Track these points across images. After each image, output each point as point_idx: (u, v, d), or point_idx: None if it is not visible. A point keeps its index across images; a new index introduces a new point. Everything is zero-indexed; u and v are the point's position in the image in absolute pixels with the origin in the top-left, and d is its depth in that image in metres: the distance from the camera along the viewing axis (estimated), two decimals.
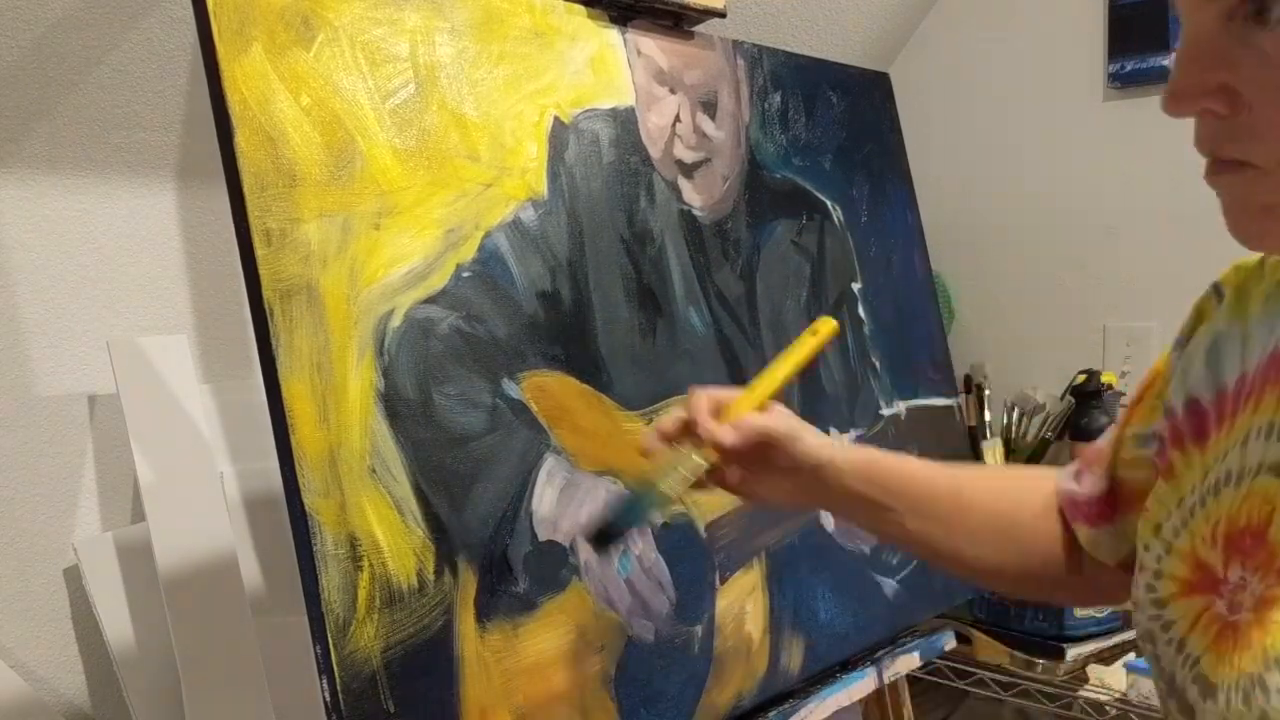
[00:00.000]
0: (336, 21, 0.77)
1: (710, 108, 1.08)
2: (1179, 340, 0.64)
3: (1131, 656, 1.34)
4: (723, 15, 1.08)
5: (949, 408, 1.37)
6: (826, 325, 0.78)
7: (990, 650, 1.41)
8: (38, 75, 0.94)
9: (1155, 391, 0.66)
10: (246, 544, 1.03)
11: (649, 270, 0.98)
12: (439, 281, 0.79)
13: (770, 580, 1.03)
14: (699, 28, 1.09)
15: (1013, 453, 1.61)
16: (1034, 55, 1.66)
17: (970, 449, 1.51)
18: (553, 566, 0.83)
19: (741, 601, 1.00)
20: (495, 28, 0.88)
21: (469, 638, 0.76)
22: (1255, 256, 0.59)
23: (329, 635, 0.68)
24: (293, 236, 0.71)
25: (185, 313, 1.11)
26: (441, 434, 0.77)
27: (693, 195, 1.05)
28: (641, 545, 0.91)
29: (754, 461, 0.71)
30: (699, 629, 0.95)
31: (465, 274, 0.81)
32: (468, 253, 0.82)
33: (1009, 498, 0.74)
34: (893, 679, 1.19)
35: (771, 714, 1.01)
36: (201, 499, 0.99)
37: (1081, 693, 1.34)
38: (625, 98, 0.99)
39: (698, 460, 0.69)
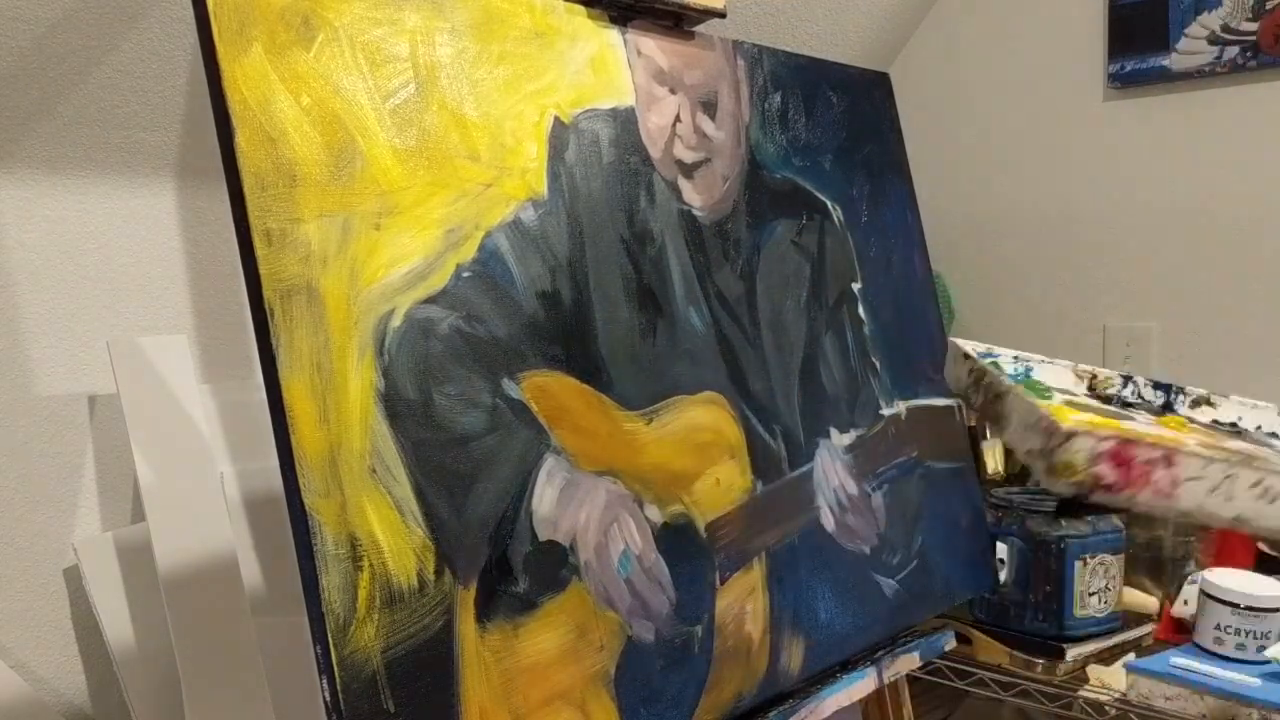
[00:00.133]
0: (336, 21, 0.77)
1: (710, 108, 1.08)
2: None
3: (1131, 656, 1.34)
4: (723, 15, 1.08)
5: (949, 408, 1.37)
6: None
7: (990, 650, 1.41)
8: (38, 75, 0.94)
9: None
10: (246, 544, 1.04)
11: (649, 270, 0.98)
12: (439, 281, 0.80)
13: (770, 580, 1.03)
14: (699, 28, 1.09)
15: (1013, 453, 1.61)
16: (1034, 55, 1.66)
17: (970, 449, 1.51)
18: (553, 566, 0.83)
19: (741, 601, 1.00)
20: (495, 28, 0.88)
21: (469, 638, 0.76)
22: None
23: (329, 635, 0.68)
24: (293, 236, 0.71)
25: (185, 313, 1.11)
26: (441, 434, 0.77)
27: (693, 195, 1.05)
28: (642, 545, 0.91)
29: None
30: (699, 629, 0.95)
31: (465, 274, 0.81)
32: (468, 253, 0.82)
33: None
34: (893, 679, 1.19)
35: (771, 714, 1.01)
36: (201, 499, 1.00)
37: (1081, 693, 1.34)
38: (625, 98, 0.99)
39: None
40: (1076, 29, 1.60)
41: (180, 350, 1.02)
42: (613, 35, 0.99)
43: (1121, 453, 0.68)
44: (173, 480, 0.98)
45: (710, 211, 1.07)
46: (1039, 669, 1.36)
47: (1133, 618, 1.39)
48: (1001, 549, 1.42)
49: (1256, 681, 1.18)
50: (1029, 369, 0.73)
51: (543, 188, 0.89)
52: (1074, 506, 1.38)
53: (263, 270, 0.69)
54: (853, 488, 1.16)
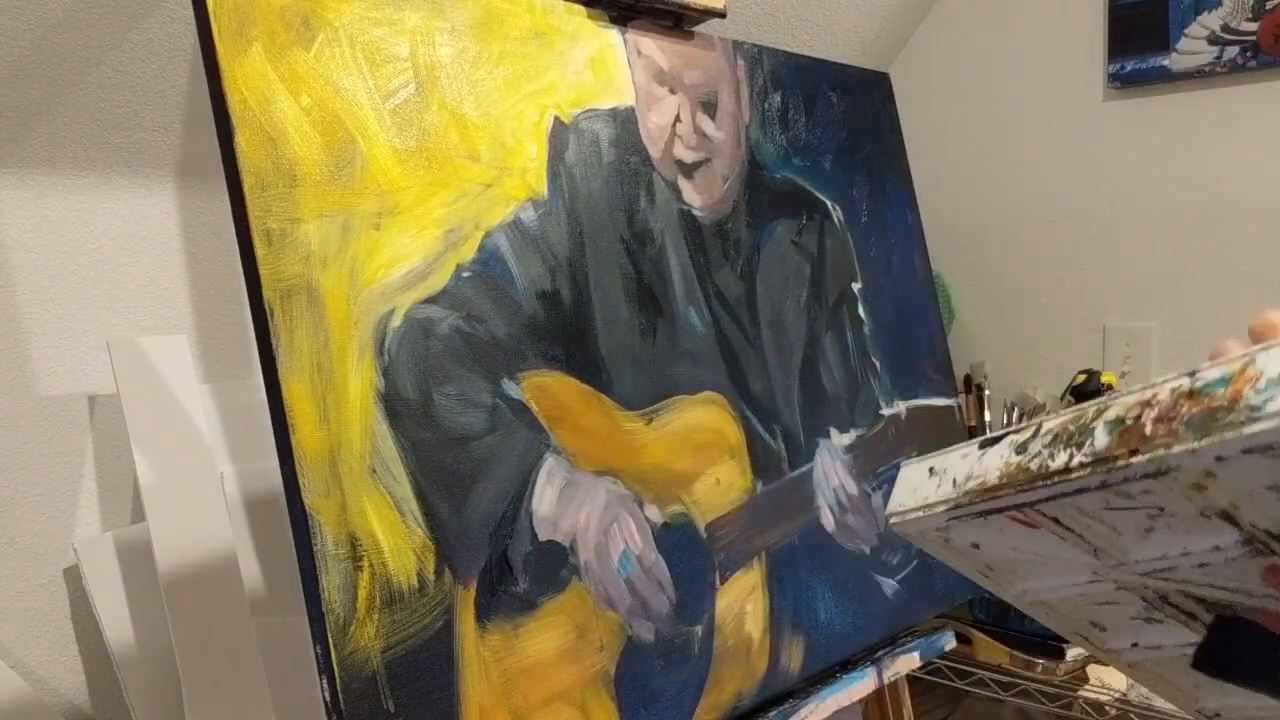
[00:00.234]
0: (336, 21, 0.77)
1: (710, 108, 1.08)
2: None
3: None
4: (723, 15, 1.08)
5: (949, 408, 1.37)
6: None
7: (990, 650, 1.41)
8: (38, 75, 0.94)
9: None
10: (246, 544, 1.04)
11: (649, 270, 0.98)
12: (439, 281, 0.80)
13: (770, 580, 1.03)
14: (699, 28, 1.09)
15: None
16: (1034, 55, 1.66)
17: None
18: (553, 566, 0.83)
19: (741, 601, 1.00)
20: (495, 28, 0.88)
21: (469, 638, 0.76)
22: None
23: (329, 635, 0.68)
24: (293, 236, 0.71)
25: (185, 313, 1.11)
26: (441, 434, 0.77)
27: (693, 195, 1.05)
28: (642, 545, 0.91)
29: None
30: (699, 629, 0.95)
31: (465, 274, 0.81)
32: (468, 253, 0.82)
33: None
34: (893, 679, 1.19)
35: (771, 714, 1.01)
36: (201, 499, 1.00)
37: (1081, 693, 1.34)
38: (625, 98, 0.99)
39: None
40: (1076, 29, 1.60)
41: (180, 350, 1.02)
42: (613, 35, 0.99)
43: None
44: (173, 480, 0.98)
45: (710, 211, 1.07)
46: (1039, 669, 1.36)
47: None
48: None
49: None
50: None
51: (543, 188, 0.89)
52: None
53: (263, 270, 0.69)
54: (853, 488, 1.16)
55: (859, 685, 1.12)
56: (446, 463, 0.77)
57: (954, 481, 0.52)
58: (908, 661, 1.20)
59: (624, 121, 0.98)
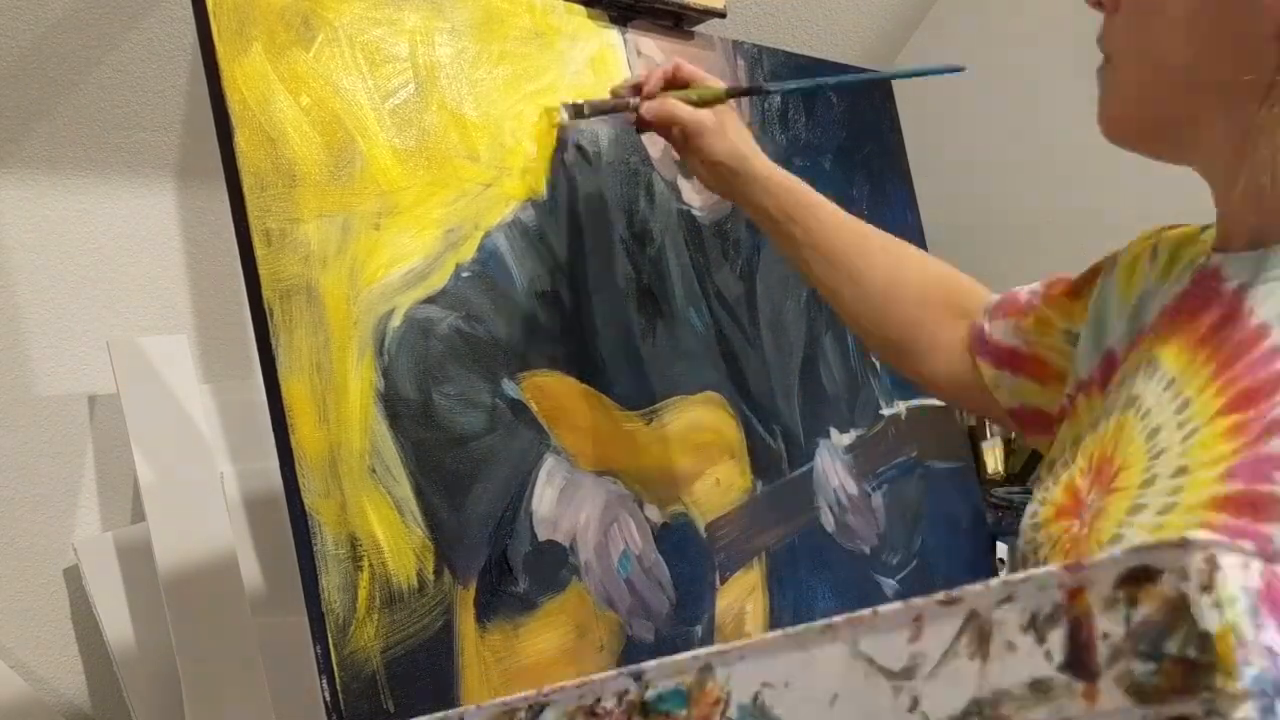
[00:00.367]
0: (336, 21, 0.77)
1: None
2: (1110, 268, 0.69)
3: None
4: (723, 15, 1.08)
5: (949, 408, 1.37)
6: None
7: None
8: (38, 75, 0.94)
9: (1090, 291, 0.70)
10: (246, 544, 1.03)
11: (649, 270, 0.98)
12: (439, 281, 0.79)
13: (770, 580, 1.03)
14: (699, 28, 1.09)
15: (1013, 453, 1.61)
16: (1034, 55, 1.66)
17: (970, 449, 1.51)
18: (553, 566, 0.83)
19: (741, 601, 1.00)
20: (495, 28, 0.88)
21: (469, 638, 0.76)
22: (1197, 225, 0.65)
23: (329, 635, 0.68)
24: (293, 236, 0.71)
25: (185, 313, 1.11)
26: (441, 434, 0.77)
27: (692, 195, 1.05)
28: (642, 545, 0.91)
29: (686, 136, 0.84)
30: (699, 629, 0.95)
31: (465, 274, 0.81)
32: (467, 253, 0.82)
33: (907, 275, 0.82)
34: None
35: None
36: (201, 499, 1.00)
37: None
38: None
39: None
40: (1077, 29, 1.60)
41: (180, 350, 1.02)
42: (612, 35, 0.99)
43: None
44: (173, 480, 0.98)
45: (709, 211, 1.06)
46: None
47: None
48: (1001, 549, 1.42)
49: None
50: None
51: (542, 188, 0.89)
52: None
53: (262, 270, 0.69)
54: (853, 488, 1.16)
55: None
56: (446, 463, 0.77)
57: None
58: None
59: (624, 121, 0.98)
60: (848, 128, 1.28)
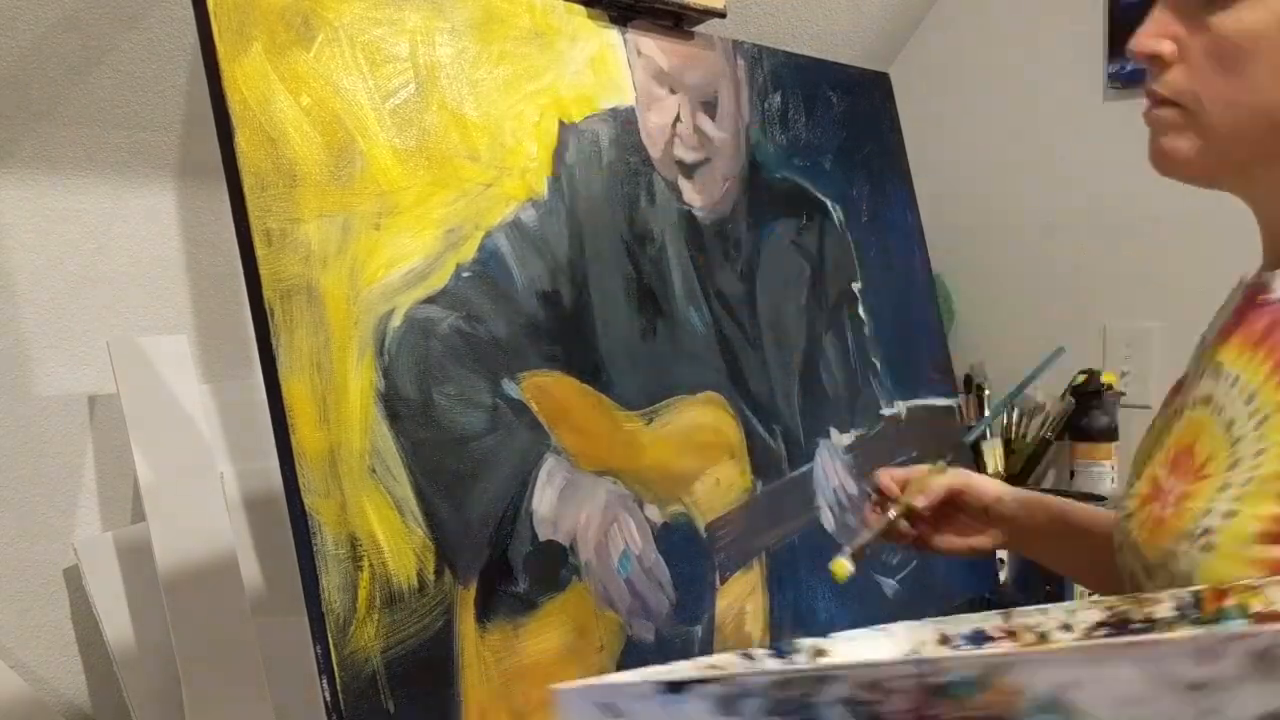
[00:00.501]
0: (336, 21, 0.77)
1: (710, 108, 1.08)
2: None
3: None
4: (723, 15, 1.08)
5: (949, 408, 1.37)
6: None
7: None
8: (38, 75, 0.94)
9: None
10: (246, 544, 1.03)
11: (649, 270, 0.98)
12: (439, 281, 0.79)
13: (770, 580, 1.03)
14: (699, 28, 1.09)
15: (1013, 453, 1.61)
16: (1034, 55, 1.66)
17: (970, 449, 1.51)
18: (553, 566, 0.83)
19: (741, 601, 1.00)
20: (495, 28, 0.88)
21: (469, 638, 0.76)
22: None
23: (329, 635, 0.68)
24: (293, 236, 0.71)
25: (185, 313, 1.11)
26: (441, 434, 0.77)
27: (693, 195, 1.05)
28: (642, 545, 0.91)
29: (946, 515, 0.87)
30: (699, 629, 0.95)
31: (465, 274, 0.81)
32: (468, 253, 0.82)
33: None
34: None
35: None
36: (201, 499, 1.00)
37: None
38: (625, 97, 0.99)
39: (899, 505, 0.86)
40: (1076, 29, 1.60)
41: (180, 350, 1.02)
42: (612, 35, 0.99)
43: None
44: (173, 480, 0.98)
45: (710, 211, 1.06)
46: None
47: None
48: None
49: None
50: None
51: (542, 188, 0.89)
52: None
53: (263, 270, 0.69)
54: (853, 487, 1.16)
55: None
56: (446, 463, 0.77)
57: None
58: None
59: (624, 121, 0.98)
60: (848, 128, 1.28)
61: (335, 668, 0.68)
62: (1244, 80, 0.59)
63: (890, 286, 1.31)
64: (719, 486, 1.00)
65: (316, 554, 0.68)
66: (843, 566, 0.83)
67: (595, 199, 0.94)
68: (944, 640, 0.44)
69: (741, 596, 1.00)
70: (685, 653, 0.93)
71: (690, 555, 0.95)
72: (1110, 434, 1.54)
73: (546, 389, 0.86)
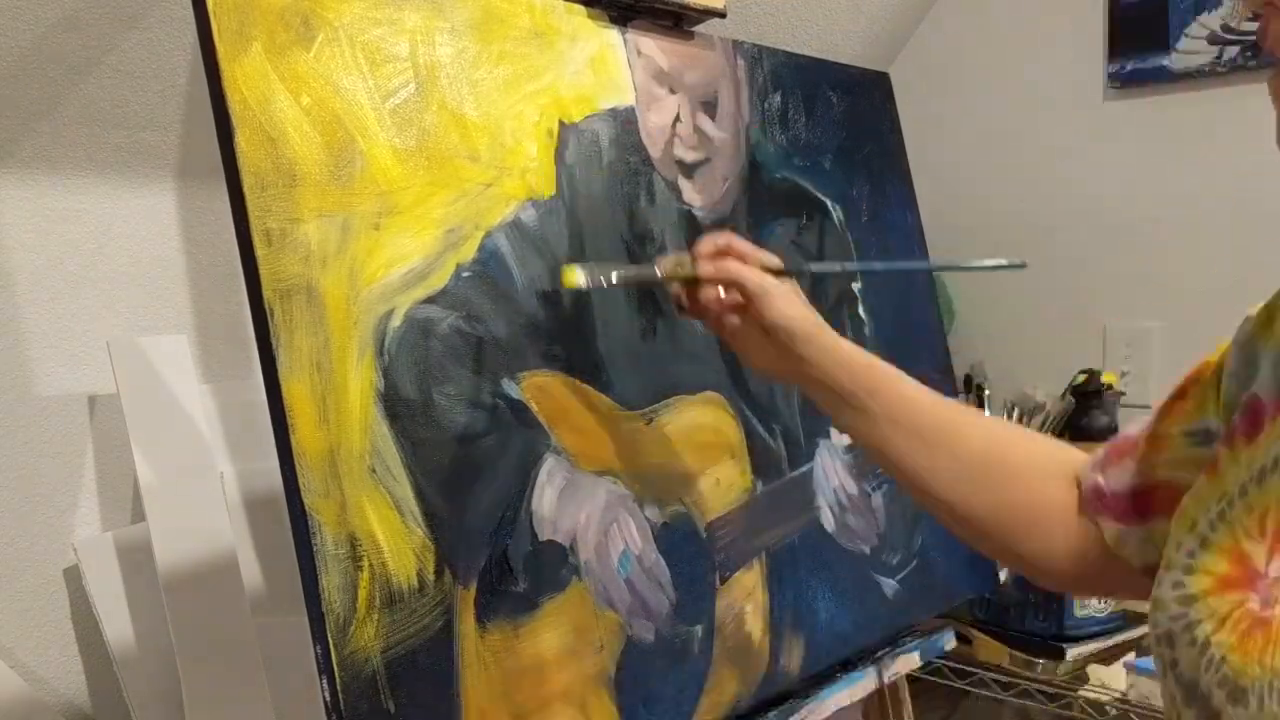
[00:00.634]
0: (336, 21, 0.77)
1: (710, 108, 1.08)
2: (1241, 339, 0.60)
3: (1131, 656, 1.34)
4: (723, 15, 1.08)
5: None
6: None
7: (990, 650, 1.41)
8: (38, 75, 0.94)
9: (1205, 384, 0.62)
10: (246, 544, 1.03)
11: None
12: (439, 281, 0.79)
13: (770, 580, 1.03)
14: (699, 28, 1.09)
15: None
16: (1034, 55, 1.66)
17: None
18: (553, 566, 0.83)
19: (741, 601, 1.00)
20: (495, 28, 0.88)
21: (469, 638, 0.76)
22: None
23: (329, 635, 0.68)
24: (293, 236, 0.71)
25: (185, 313, 1.11)
26: (441, 434, 0.77)
27: (693, 195, 1.05)
28: (642, 545, 0.91)
29: (737, 309, 0.78)
30: (699, 629, 0.95)
31: (465, 274, 0.81)
32: (468, 253, 0.82)
33: (1010, 448, 0.72)
34: (893, 679, 1.19)
35: (771, 714, 1.01)
36: (201, 499, 1.00)
37: (1081, 693, 1.34)
38: (625, 97, 0.99)
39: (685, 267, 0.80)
40: (1076, 29, 1.60)
41: (180, 350, 1.02)
42: (612, 35, 0.99)
43: None
44: (173, 480, 0.98)
45: (710, 211, 1.06)
46: (1039, 669, 1.36)
47: (1133, 617, 1.39)
48: None
49: None
50: None
51: (542, 188, 0.89)
52: None
53: (263, 270, 0.69)
54: (853, 487, 1.16)
55: (859, 685, 1.12)
56: (446, 463, 0.77)
57: None
58: (908, 661, 1.20)
59: (624, 121, 0.98)
60: (848, 128, 1.28)
61: (335, 668, 0.68)
62: None
63: (890, 286, 1.31)
64: (719, 486, 1.00)
65: (316, 554, 0.68)
66: (573, 273, 0.77)
67: (595, 199, 0.94)
68: None
69: (741, 596, 1.00)
70: (685, 653, 0.93)
71: (690, 555, 0.95)
72: (1110, 434, 1.54)
73: (546, 389, 0.86)
